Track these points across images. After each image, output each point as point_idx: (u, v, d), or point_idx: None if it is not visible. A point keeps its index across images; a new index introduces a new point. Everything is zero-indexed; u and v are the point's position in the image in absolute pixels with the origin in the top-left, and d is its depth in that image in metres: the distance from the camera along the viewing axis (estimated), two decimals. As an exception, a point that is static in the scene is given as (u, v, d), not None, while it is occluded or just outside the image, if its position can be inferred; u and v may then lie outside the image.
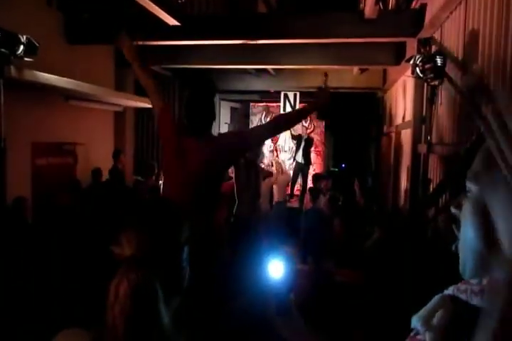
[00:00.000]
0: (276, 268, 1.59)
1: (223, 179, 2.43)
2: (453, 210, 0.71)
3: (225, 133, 2.70)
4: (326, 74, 2.66)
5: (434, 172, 3.65)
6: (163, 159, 2.31)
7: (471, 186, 0.66)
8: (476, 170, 0.66)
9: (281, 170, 6.35)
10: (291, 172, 8.14)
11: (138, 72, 2.40)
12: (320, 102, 2.35)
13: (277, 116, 2.77)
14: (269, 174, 6.07)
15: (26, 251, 2.95)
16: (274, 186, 6.15)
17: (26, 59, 3.35)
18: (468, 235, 0.66)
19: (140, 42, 2.61)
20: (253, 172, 4.40)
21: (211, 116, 2.25)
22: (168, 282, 0.90)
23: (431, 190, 3.37)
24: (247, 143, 2.26)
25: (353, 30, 4.35)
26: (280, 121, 2.40)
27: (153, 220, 0.97)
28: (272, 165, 6.95)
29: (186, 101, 2.25)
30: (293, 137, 9.35)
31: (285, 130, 2.51)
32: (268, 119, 11.03)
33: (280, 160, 7.79)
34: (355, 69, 7.18)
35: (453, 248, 0.70)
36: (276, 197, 6.27)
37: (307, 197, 6.26)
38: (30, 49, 3.33)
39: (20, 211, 3.57)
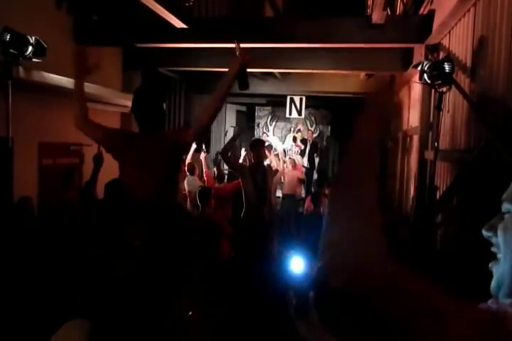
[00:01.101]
0: (296, 265, 1.56)
1: (176, 169, 2.51)
2: (485, 233, 0.70)
3: (170, 131, 2.77)
4: (236, 42, 2.59)
5: (442, 179, 3.63)
6: (119, 165, 2.41)
7: (510, 207, 0.66)
8: None
9: (293, 164, 6.43)
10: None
11: (75, 103, 2.43)
12: (233, 69, 2.40)
13: (202, 105, 2.69)
14: (276, 172, 6.12)
15: (30, 248, 2.95)
16: (285, 178, 6.23)
17: (35, 60, 3.36)
18: (509, 256, 0.65)
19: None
20: (259, 177, 4.38)
21: (158, 115, 2.38)
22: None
23: (438, 197, 3.35)
24: (185, 136, 2.34)
25: (360, 35, 4.35)
26: (205, 109, 2.39)
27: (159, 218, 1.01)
28: (284, 162, 7.00)
29: (132, 103, 2.35)
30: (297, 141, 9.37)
31: (217, 110, 2.41)
32: (274, 123, 11.05)
33: (293, 157, 7.80)
34: (362, 74, 7.17)
35: (489, 265, 0.69)
36: (285, 190, 6.31)
37: (308, 201, 6.31)
38: (38, 50, 3.34)
39: (24, 210, 3.58)
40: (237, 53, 2.47)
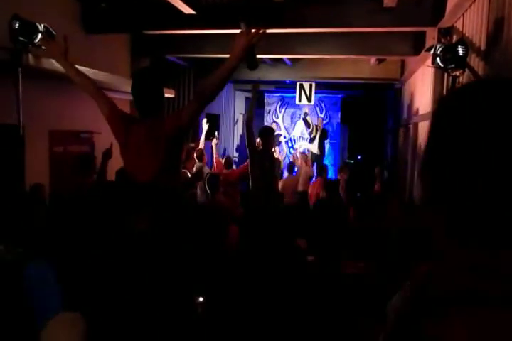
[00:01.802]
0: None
1: (177, 155, 2.39)
2: None
3: (168, 116, 2.68)
4: (241, 19, 2.29)
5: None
6: (120, 150, 2.40)
7: None
8: None
9: (305, 160, 6.47)
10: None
11: (76, 80, 2.50)
12: (239, 48, 2.17)
13: (201, 83, 2.55)
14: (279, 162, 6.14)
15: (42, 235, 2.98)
16: (300, 178, 6.29)
17: (44, 47, 3.36)
18: None
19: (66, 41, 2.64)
20: (267, 164, 4.38)
21: (155, 100, 2.31)
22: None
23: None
24: (181, 118, 2.25)
25: (372, 19, 4.27)
26: (205, 87, 2.26)
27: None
28: (296, 158, 6.99)
29: (131, 86, 2.32)
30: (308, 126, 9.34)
31: (216, 91, 2.25)
32: (283, 110, 10.98)
33: (306, 153, 7.81)
34: (373, 59, 7.07)
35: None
36: (299, 188, 6.35)
37: (311, 187, 6.33)
38: (48, 37, 3.34)
39: (37, 197, 3.62)
40: (242, 30, 2.20)
